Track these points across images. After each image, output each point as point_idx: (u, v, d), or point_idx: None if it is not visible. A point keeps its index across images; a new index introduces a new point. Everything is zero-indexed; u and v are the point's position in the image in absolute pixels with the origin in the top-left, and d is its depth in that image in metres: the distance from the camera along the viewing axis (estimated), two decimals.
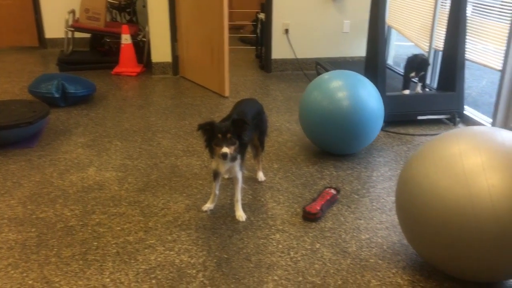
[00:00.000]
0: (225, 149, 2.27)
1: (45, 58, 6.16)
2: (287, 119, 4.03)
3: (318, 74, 5.28)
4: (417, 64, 3.85)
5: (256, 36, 6.17)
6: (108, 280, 2.07)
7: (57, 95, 4.14)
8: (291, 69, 5.59)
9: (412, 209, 1.98)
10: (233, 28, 7.39)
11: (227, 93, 4.62)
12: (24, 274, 2.09)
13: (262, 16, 5.59)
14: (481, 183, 1.80)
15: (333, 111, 3.07)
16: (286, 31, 5.40)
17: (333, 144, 3.24)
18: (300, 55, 5.52)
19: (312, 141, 3.40)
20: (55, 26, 6.36)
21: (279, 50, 5.48)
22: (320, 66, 5.19)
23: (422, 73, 3.94)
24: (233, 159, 2.39)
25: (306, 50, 5.53)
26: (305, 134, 3.42)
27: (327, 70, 4.93)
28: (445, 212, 1.85)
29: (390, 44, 5.59)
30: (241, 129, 2.35)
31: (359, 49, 5.55)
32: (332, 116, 3.08)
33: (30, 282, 2.05)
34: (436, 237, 1.90)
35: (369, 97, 3.13)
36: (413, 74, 3.88)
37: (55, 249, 2.27)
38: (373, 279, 2.10)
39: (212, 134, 2.33)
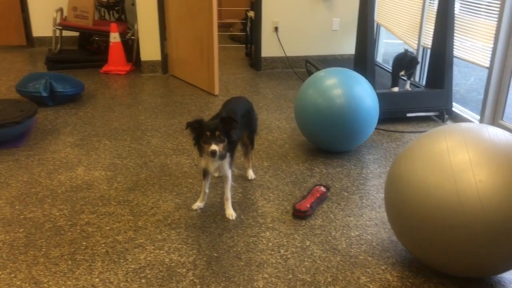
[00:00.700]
0: (214, 147, 2.27)
1: (33, 56, 6.11)
2: (277, 117, 4.03)
3: (308, 72, 5.30)
4: (406, 62, 3.87)
5: (245, 34, 6.16)
6: (97, 280, 2.06)
7: (45, 94, 4.10)
8: (281, 67, 5.59)
9: (401, 206, 2.00)
10: (223, 26, 7.38)
11: (216, 92, 4.61)
12: (12, 275, 2.08)
13: (251, 14, 5.59)
14: (469, 179, 1.81)
15: (329, 109, 3.08)
16: (276, 29, 5.40)
17: (329, 141, 3.25)
18: (289, 53, 5.53)
19: (308, 139, 3.41)
20: (42, 25, 6.31)
21: (269, 48, 5.48)
22: (310, 64, 5.20)
23: (411, 71, 3.97)
24: (222, 157, 2.39)
25: (296, 48, 5.53)
26: (300, 132, 3.42)
27: (317, 68, 4.94)
28: (433, 208, 1.86)
29: (379, 42, 5.62)
30: (230, 127, 2.34)
31: (349, 47, 5.57)
32: (328, 114, 3.09)
33: (18, 283, 2.03)
34: (425, 233, 1.92)
35: (365, 94, 3.14)
36: (402, 73, 3.90)
37: (44, 249, 2.25)
38: (362, 275, 2.11)
39: (200, 132, 2.32)
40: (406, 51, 3.95)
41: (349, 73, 3.23)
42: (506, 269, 1.98)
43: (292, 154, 3.32)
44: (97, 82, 5.00)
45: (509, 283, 2.07)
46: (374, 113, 3.21)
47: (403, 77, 3.98)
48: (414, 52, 4.56)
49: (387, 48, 6.11)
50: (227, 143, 2.35)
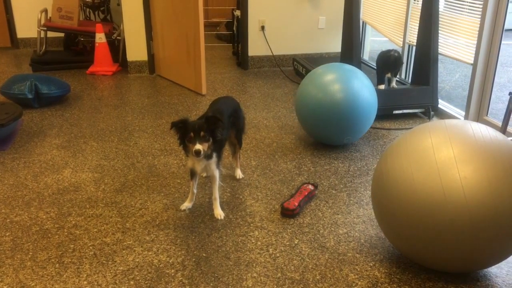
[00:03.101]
0: (198, 146, 2.26)
1: (18, 58, 6.04)
2: (265, 116, 4.04)
3: (295, 70, 5.31)
4: (391, 63, 3.90)
5: (232, 33, 6.15)
6: (85, 282, 2.04)
7: (30, 96, 4.06)
8: (268, 66, 5.60)
9: (387, 203, 2.01)
10: (209, 26, 7.36)
11: (204, 91, 4.60)
12: None
13: (238, 13, 5.58)
14: (454, 176, 1.84)
15: (329, 103, 3.16)
16: (262, 28, 5.41)
17: (331, 135, 3.32)
18: (276, 52, 5.53)
19: (309, 134, 3.49)
20: (27, 26, 6.25)
21: (256, 47, 5.48)
22: (297, 62, 5.21)
23: (396, 70, 4.01)
24: (208, 156, 2.39)
25: (283, 46, 5.54)
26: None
27: (304, 67, 4.96)
28: (419, 205, 1.88)
29: (365, 40, 5.65)
30: (215, 126, 2.34)
31: (335, 45, 5.60)
32: (328, 108, 3.17)
33: (5, 287, 2.01)
34: (411, 229, 1.93)
35: (363, 88, 3.21)
36: (388, 75, 3.94)
37: (31, 253, 2.24)
38: (351, 273, 2.12)
39: (185, 132, 2.32)
40: (389, 53, 3.97)
41: (347, 68, 3.32)
42: (491, 264, 2.01)
43: (280, 153, 3.33)
44: (83, 83, 4.97)
45: (495, 276, 2.10)
46: (373, 104, 3.29)
47: (388, 77, 4.01)
48: (400, 49, 4.59)
49: (373, 45, 6.15)
50: (212, 142, 2.35)
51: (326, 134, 3.31)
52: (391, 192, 1.99)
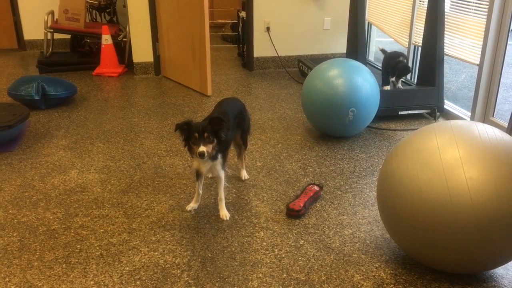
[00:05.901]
0: (202, 148, 2.27)
1: (25, 60, 6.08)
2: (270, 117, 4.04)
3: (301, 71, 5.32)
4: (398, 70, 3.91)
5: (237, 34, 6.17)
6: (92, 282, 2.06)
7: (37, 98, 4.09)
8: (273, 67, 5.60)
9: (392, 203, 2.01)
10: (215, 27, 7.38)
11: (209, 92, 4.61)
12: (7, 279, 2.07)
13: (243, 14, 5.59)
14: (459, 176, 1.83)
15: (333, 97, 3.34)
16: (268, 29, 5.41)
17: (334, 127, 3.48)
18: (281, 53, 5.54)
19: (314, 126, 3.67)
20: (34, 28, 6.29)
21: (261, 48, 5.49)
22: (303, 63, 5.21)
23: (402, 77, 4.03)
24: (214, 157, 2.40)
25: (288, 47, 5.54)
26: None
27: (309, 68, 4.96)
28: (424, 206, 1.88)
29: (371, 40, 5.64)
30: (219, 128, 2.34)
31: (340, 46, 5.60)
32: (332, 101, 3.35)
33: (12, 287, 2.03)
34: (416, 230, 1.93)
35: (364, 82, 3.36)
36: (393, 79, 3.95)
37: (38, 253, 2.25)
38: (356, 273, 2.12)
39: (189, 134, 2.33)
40: (399, 55, 3.97)
41: (351, 63, 3.48)
42: (497, 265, 2.00)
43: (285, 154, 3.33)
44: (90, 84, 4.99)
45: (501, 278, 2.10)
46: (375, 98, 3.42)
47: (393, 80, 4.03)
48: (405, 50, 4.59)
49: (378, 46, 6.13)
50: (217, 143, 2.36)
51: (329, 126, 3.45)
52: (397, 193, 1.99)
